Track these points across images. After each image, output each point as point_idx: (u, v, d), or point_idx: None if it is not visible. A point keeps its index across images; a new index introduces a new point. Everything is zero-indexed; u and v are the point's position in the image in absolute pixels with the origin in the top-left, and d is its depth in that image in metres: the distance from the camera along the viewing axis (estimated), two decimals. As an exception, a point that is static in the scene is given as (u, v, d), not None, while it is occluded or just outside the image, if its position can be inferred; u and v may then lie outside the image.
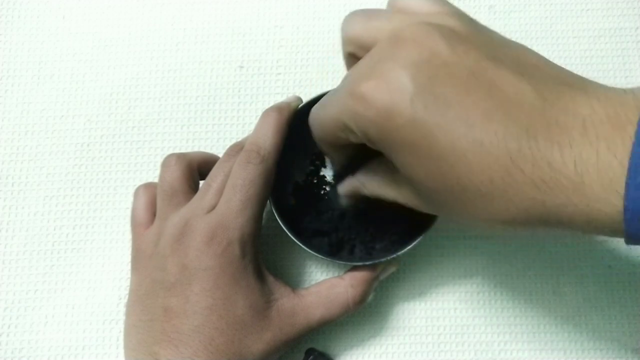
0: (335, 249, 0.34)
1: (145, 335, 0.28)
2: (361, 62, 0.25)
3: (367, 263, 0.32)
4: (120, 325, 0.36)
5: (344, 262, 0.34)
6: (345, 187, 0.32)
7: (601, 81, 0.40)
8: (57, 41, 0.41)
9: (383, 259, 0.32)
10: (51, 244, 0.37)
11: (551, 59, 0.42)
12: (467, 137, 0.22)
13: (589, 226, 0.21)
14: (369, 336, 0.36)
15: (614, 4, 0.41)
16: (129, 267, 0.33)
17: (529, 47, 0.25)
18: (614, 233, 0.20)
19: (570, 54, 0.40)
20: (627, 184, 0.19)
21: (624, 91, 0.21)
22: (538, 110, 0.21)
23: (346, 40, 0.27)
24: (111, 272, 0.37)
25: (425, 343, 0.36)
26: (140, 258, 0.31)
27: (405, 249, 0.31)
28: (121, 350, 0.35)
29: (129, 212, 0.34)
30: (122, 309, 0.36)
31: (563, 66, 0.23)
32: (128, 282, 0.35)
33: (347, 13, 0.41)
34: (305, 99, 0.34)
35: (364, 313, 0.36)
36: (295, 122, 0.32)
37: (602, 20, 0.41)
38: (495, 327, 0.36)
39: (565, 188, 0.20)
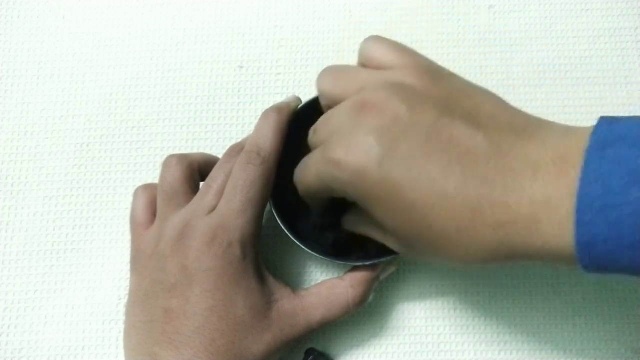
0: (335, 250, 0.34)
1: (145, 336, 0.28)
2: (336, 132, 0.27)
3: (367, 263, 0.32)
4: (120, 326, 0.36)
5: (344, 263, 0.34)
6: (345, 224, 0.33)
7: (601, 81, 0.41)
8: (57, 41, 0.41)
9: (383, 259, 0.32)
10: (51, 244, 0.37)
11: (551, 59, 0.42)
12: (432, 190, 0.24)
13: (549, 260, 0.23)
14: (369, 336, 0.36)
15: (614, 4, 0.41)
16: (128, 267, 0.33)
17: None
18: (571, 266, 0.22)
19: (570, 54, 0.40)
20: (576, 222, 0.21)
21: (569, 133, 0.24)
22: (493, 159, 0.23)
23: (321, 96, 0.30)
24: (111, 272, 0.37)
25: (425, 343, 0.36)
26: (140, 259, 0.31)
27: (396, 252, 0.31)
28: (121, 351, 0.35)
29: (128, 213, 0.34)
30: (122, 309, 0.36)
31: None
32: (128, 283, 0.35)
33: (347, 13, 0.42)
34: (305, 99, 0.34)
35: (364, 313, 0.36)
36: (295, 122, 0.32)
37: (602, 20, 0.41)
38: (495, 327, 0.36)
39: (522, 228, 0.22)
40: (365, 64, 0.29)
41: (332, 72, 0.30)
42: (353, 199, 0.27)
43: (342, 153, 0.25)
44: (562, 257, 0.22)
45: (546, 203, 0.22)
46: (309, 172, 0.29)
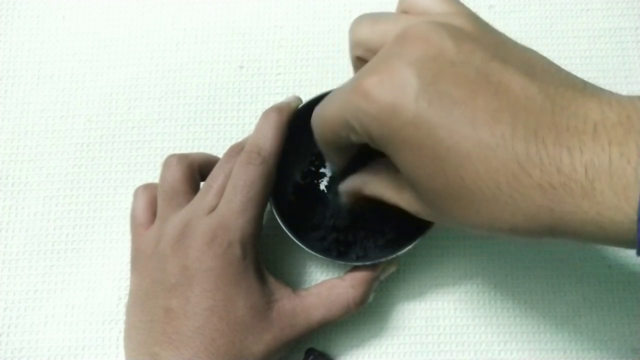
0: (336, 250, 0.34)
1: (145, 336, 0.28)
2: (369, 62, 0.24)
3: (367, 263, 0.32)
4: (120, 326, 0.36)
5: (344, 263, 0.34)
6: (347, 185, 0.31)
7: (601, 81, 0.41)
8: (57, 41, 0.41)
9: (383, 259, 0.32)
10: (51, 244, 0.37)
11: (551, 59, 0.42)
12: (473, 138, 0.21)
13: (599, 236, 0.20)
14: (369, 336, 0.36)
15: (614, 4, 0.41)
16: (128, 267, 0.33)
17: (530, 47, 0.25)
18: (625, 244, 0.20)
19: (570, 54, 0.40)
20: None
21: (637, 97, 0.20)
22: (547, 113, 0.21)
23: (354, 44, 0.27)
24: (111, 272, 0.37)
25: (425, 343, 0.36)
26: (140, 258, 0.31)
27: (405, 249, 0.31)
28: (121, 351, 0.35)
29: (128, 212, 0.34)
30: (122, 309, 0.36)
31: (563, 66, 0.23)
32: (128, 283, 0.35)
33: (347, 13, 0.41)
34: (305, 99, 0.34)
35: (364, 313, 0.36)
36: (295, 122, 0.32)
37: (602, 20, 0.41)
38: (495, 327, 0.36)
39: (575, 194, 0.20)
40: (407, 11, 0.26)
41: (369, 18, 0.26)
42: (376, 142, 0.24)
43: (374, 83, 0.22)
44: (616, 233, 0.19)
45: (607, 168, 0.19)
46: (332, 105, 0.25)
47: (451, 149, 0.21)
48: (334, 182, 0.36)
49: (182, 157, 0.33)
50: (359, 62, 0.27)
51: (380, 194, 0.28)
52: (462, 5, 0.25)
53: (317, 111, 0.27)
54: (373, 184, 0.29)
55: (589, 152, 0.19)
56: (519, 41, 0.40)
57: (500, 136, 0.21)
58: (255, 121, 0.33)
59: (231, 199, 0.30)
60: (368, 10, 0.41)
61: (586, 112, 0.20)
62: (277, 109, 0.32)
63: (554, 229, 0.21)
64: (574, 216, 0.20)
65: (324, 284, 0.32)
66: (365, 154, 0.28)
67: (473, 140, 0.21)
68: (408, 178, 0.24)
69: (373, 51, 0.25)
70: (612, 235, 0.20)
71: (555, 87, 0.21)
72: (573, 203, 0.20)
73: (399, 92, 0.22)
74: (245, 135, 0.36)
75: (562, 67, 0.24)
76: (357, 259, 0.34)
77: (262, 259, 0.32)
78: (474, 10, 0.25)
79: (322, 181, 0.36)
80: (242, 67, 0.40)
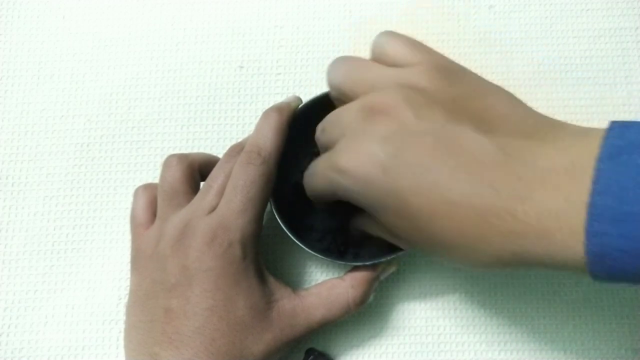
0: (336, 250, 0.34)
1: (145, 336, 0.28)
2: (343, 140, 0.27)
3: (367, 263, 0.32)
4: (120, 326, 0.36)
5: (344, 263, 0.34)
6: (354, 226, 0.33)
7: (601, 81, 0.41)
8: (57, 41, 0.41)
9: (383, 259, 0.32)
10: (51, 244, 0.37)
11: (551, 59, 0.42)
12: (437, 197, 0.24)
13: (559, 269, 0.22)
14: (369, 336, 0.36)
15: (614, 4, 0.41)
16: (128, 267, 0.33)
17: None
18: (581, 274, 0.22)
19: (570, 54, 0.40)
20: (586, 232, 0.20)
21: (582, 135, 0.23)
22: (501, 165, 0.23)
23: (331, 87, 0.30)
24: (111, 272, 0.37)
25: (425, 343, 0.36)
26: (140, 258, 0.31)
27: (405, 249, 0.31)
28: (121, 351, 0.35)
29: (128, 212, 0.34)
30: (122, 309, 0.36)
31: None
32: (128, 283, 0.35)
33: (347, 13, 0.42)
34: (305, 99, 0.34)
35: (364, 313, 0.36)
36: (295, 122, 0.32)
37: (602, 20, 0.41)
38: (495, 327, 0.36)
39: (531, 238, 0.22)
40: (377, 59, 0.29)
41: (344, 64, 0.30)
42: (360, 205, 0.27)
43: (348, 160, 0.26)
44: (573, 267, 0.21)
45: (556, 213, 0.21)
46: (317, 178, 0.29)
47: (420, 209, 0.24)
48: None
49: (182, 157, 0.33)
50: (336, 100, 0.30)
51: (379, 235, 0.30)
52: (427, 53, 0.28)
53: (307, 180, 0.31)
54: (371, 228, 0.31)
55: (539, 200, 0.22)
56: (518, 41, 0.40)
57: (459, 194, 0.23)
58: (255, 121, 0.33)
59: (231, 199, 0.30)
60: (368, 11, 0.41)
61: (535, 161, 0.23)
62: (277, 109, 0.32)
63: (520, 265, 0.23)
64: (534, 255, 0.22)
65: (324, 284, 0.32)
66: None
67: (437, 200, 0.24)
68: (391, 231, 0.27)
69: (347, 97, 0.28)
70: (570, 268, 0.22)
71: (507, 138, 0.24)
72: (531, 245, 0.22)
73: (368, 166, 0.25)
74: (245, 135, 0.36)
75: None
76: (357, 259, 0.34)
77: (262, 259, 0.32)
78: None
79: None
80: (242, 67, 0.40)
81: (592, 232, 0.20)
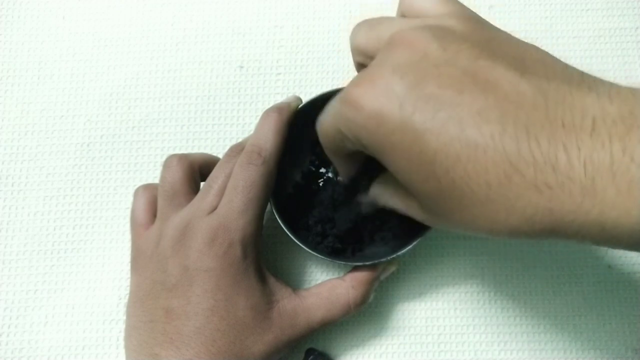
0: (336, 250, 0.34)
1: (146, 337, 0.28)
2: (358, 74, 0.24)
3: (368, 263, 0.32)
4: (120, 325, 0.36)
5: (344, 263, 0.34)
6: (366, 198, 0.31)
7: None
8: (57, 41, 0.41)
9: (383, 259, 0.32)
10: (51, 244, 0.37)
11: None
12: (460, 139, 0.20)
13: (602, 237, 0.19)
14: (369, 336, 0.36)
15: (614, 4, 0.41)
16: (129, 267, 0.33)
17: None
18: (630, 246, 0.19)
19: (570, 54, 0.40)
20: None
21: (637, 89, 0.20)
22: (540, 109, 0.20)
23: (354, 51, 0.27)
24: (111, 272, 0.37)
25: (425, 343, 0.36)
26: (140, 259, 0.31)
27: (405, 249, 0.31)
28: (121, 350, 0.35)
29: (128, 212, 0.34)
30: (122, 309, 0.36)
31: None
32: (128, 283, 0.35)
33: (347, 13, 0.42)
34: (305, 99, 0.34)
35: (364, 313, 0.36)
36: (295, 122, 0.32)
37: (602, 20, 0.41)
38: (495, 327, 0.36)
39: (574, 194, 0.19)
40: (405, 13, 0.26)
41: (366, 24, 0.26)
42: (368, 149, 0.24)
43: (360, 92, 0.22)
44: (620, 235, 0.18)
45: (609, 166, 0.18)
46: (327, 116, 0.26)
47: (439, 151, 0.21)
48: (333, 182, 0.36)
49: (182, 158, 0.33)
50: (360, 68, 0.27)
51: (390, 204, 0.28)
52: (458, 4, 0.25)
53: (319, 120, 0.27)
54: (383, 196, 0.28)
55: (587, 149, 0.18)
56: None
57: (489, 135, 0.20)
58: (255, 121, 0.33)
59: (232, 199, 0.30)
60: (368, 11, 0.41)
61: (583, 107, 0.19)
62: (277, 109, 0.32)
63: (554, 230, 0.20)
64: (575, 216, 0.19)
65: (325, 284, 0.32)
66: (372, 165, 0.28)
67: (461, 142, 0.20)
68: (404, 184, 0.23)
69: (371, 57, 0.25)
70: (616, 236, 0.19)
71: (548, 81, 0.21)
72: (573, 203, 0.19)
73: (383, 99, 0.22)
74: (245, 135, 0.36)
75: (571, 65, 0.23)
76: (357, 259, 0.34)
77: (263, 259, 0.32)
78: (474, 10, 0.25)
79: (322, 181, 0.36)
80: (242, 67, 0.40)
81: None
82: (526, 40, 0.24)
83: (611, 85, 0.20)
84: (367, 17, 0.40)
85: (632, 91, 0.19)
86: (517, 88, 0.20)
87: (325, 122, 0.26)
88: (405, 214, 0.27)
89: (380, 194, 0.29)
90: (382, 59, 0.23)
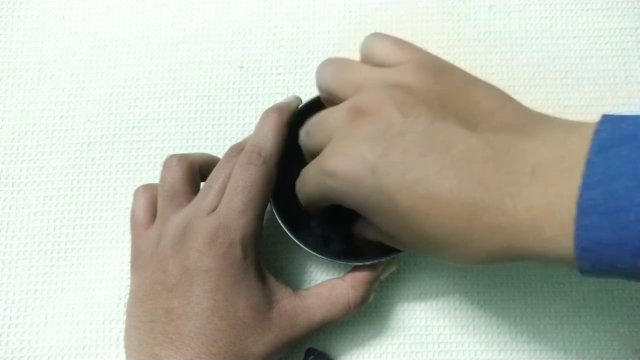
0: (336, 249, 0.34)
1: (146, 337, 0.28)
2: (330, 144, 0.27)
3: (368, 263, 0.32)
4: (121, 325, 0.36)
5: (344, 263, 0.34)
6: (355, 231, 0.33)
7: (601, 81, 0.41)
8: (57, 41, 0.41)
9: (383, 259, 0.32)
10: (51, 244, 0.37)
11: (551, 59, 0.42)
12: (427, 196, 0.23)
13: (549, 262, 0.22)
14: (369, 336, 0.36)
15: (614, 4, 0.41)
16: (129, 267, 0.33)
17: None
18: (571, 268, 0.22)
19: (570, 54, 0.40)
20: (576, 226, 0.20)
21: (573, 129, 0.23)
22: (489, 161, 0.23)
23: (320, 89, 0.30)
24: (111, 272, 0.37)
25: (425, 343, 0.36)
26: (140, 259, 0.31)
27: (403, 250, 0.31)
28: (121, 350, 0.35)
29: (128, 212, 0.34)
30: (122, 309, 0.36)
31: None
32: (128, 283, 0.35)
33: (347, 13, 0.42)
34: (305, 99, 0.34)
35: (364, 313, 0.36)
36: (295, 122, 0.32)
37: (602, 20, 0.41)
38: (495, 327, 0.36)
39: (522, 233, 0.22)
40: (366, 60, 0.29)
41: (332, 66, 0.30)
42: (352, 207, 0.27)
43: (337, 163, 0.26)
44: (562, 260, 0.22)
45: (546, 207, 0.21)
46: (308, 184, 0.29)
47: (411, 208, 0.24)
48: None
49: (182, 158, 0.33)
50: (325, 101, 0.30)
51: (376, 238, 0.31)
52: (414, 52, 0.28)
53: (299, 186, 0.31)
54: (368, 233, 0.31)
55: (528, 195, 0.22)
56: (518, 41, 0.40)
57: (449, 191, 0.23)
58: (255, 121, 0.33)
59: (232, 200, 0.30)
60: (368, 11, 0.41)
61: (524, 155, 0.23)
62: (277, 109, 0.32)
63: (512, 259, 0.23)
64: (525, 250, 0.22)
65: (325, 284, 0.32)
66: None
67: (427, 199, 0.23)
68: (384, 232, 0.27)
69: (336, 97, 0.28)
70: (559, 262, 0.22)
71: (495, 133, 0.24)
72: (522, 240, 0.22)
73: (357, 167, 0.25)
74: (245, 135, 0.36)
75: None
76: (357, 259, 0.34)
77: (263, 259, 0.32)
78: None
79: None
80: (242, 67, 0.40)
81: (581, 225, 0.20)
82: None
83: (550, 127, 0.24)
84: (365, 17, 0.40)
85: (566, 133, 0.23)
86: (469, 145, 0.24)
87: (307, 189, 0.29)
88: (391, 245, 0.30)
89: (365, 231, 0.32)
90: (350, 130, 0.26)
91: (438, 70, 0.27)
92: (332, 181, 0.26)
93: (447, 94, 0.26)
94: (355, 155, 0.25)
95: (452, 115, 0.25)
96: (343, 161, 0.25)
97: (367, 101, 0.26)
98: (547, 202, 0.21)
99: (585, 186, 0.20)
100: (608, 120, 0.22)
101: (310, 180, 0.28)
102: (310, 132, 0.29)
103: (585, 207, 0.20)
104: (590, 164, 0.21)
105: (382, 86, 0.26)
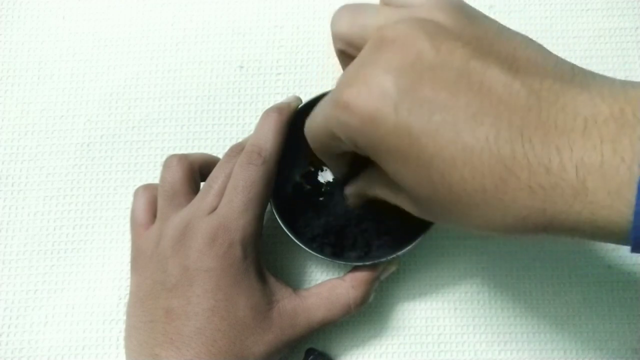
0: (336, 250, 0.34)
1: (146, 337, 0.28)
2: (347, 69, 0.24)
3: (368, 263, 0.32)
4: (121, 325, 0.36)
5: (344, 263, 0.34)
6: (351, 189, 0.32)
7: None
8: (57, 41, 0.41)
9: (383, 259, 0.32)
10: (51, 244, 0.37)
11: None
12: (456, 143, 0.20)
13: (594, 235, 0.19)
14: (369, 336, 0.36)
15: (614, 4, 0.41)
16: (129, 267, 0.33)
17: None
18: (621, 241, 0.19)
19: (570, 54, 0.40)
20: (639, 190, 0.18)
21: (631, 84, 0.20)
22: (534, 110, 0.20)
23: (335, 38, 0.27)
24: (111, 272, 0.37)
25: (425, 343, 0.36)
26: (140, 259, 0.31)
27: (405, 249, 0.31)
28: (121, 350, 0.35)
29: (128, 212, 0.34)
30: (122, 309, 0.36)
31: None
32: (128, 283, 0.35)
33: (347, 13, 0.41)
34: (305, 99, 0.34)
35: (364, 313, 0.36)
36: (295, 122, 0.32)
37: (602, 20, 0.41)
38: (495, 327, 0.36)
39: (566, 195, 0.19)
40: (388, 2, 0.26)
41: (350, 10, 0.26)
42: (363, 149, 0.24)
43: (353, 94, 0.22)
44: (611, 232, 0.19)
45: (599, 167, 0.18)
46: (318, 118, 0.25)
47: (435, 155, 0.21)
48: (334, 181, 0.36)
49: (182, 158, 0.33)
50: (342, 55, 0.27)
51: (381, 195, 0.28)
52: None
53: (307, 124, 0.27)
54: (373, 187, 0.29)
55: (579, 151, 0.19)
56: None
57: (484, 139, 0.20)
58: (255, 121, 0.33)
59: (232, 200, 0.30)
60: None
61: (575, 107, 0.20)
62: (277, 109, 0.32)
63: (547, 228, 0.20)
64: (567, 216, 0.19)
65: (325, 284, 0.32)
66: (362, 160, 0.28)
67: (456, 145, 0.20)
68: (399, 184, 0.23)
69: (354, 46, 0.25)
70: (607, 234, 0.19)
71: (541, 81, 0.21)
72: (565, 203, 0.19)
73: (378, 102, 0.21)
74: (245, 135, 0.36)
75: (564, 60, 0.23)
76: (358, 258, 0.34)
77: (263, 259, 0.32)
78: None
79: (322, 181, 0.36)
80: (242, 67, 0.40)
81: None
82: None
83: (603, 81, 0.20)
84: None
85: (623, 88, 0.20)
86: (510, 90, 0.20)
87: (316, 125, 0.26)
88: (395, 203, 0.27)
89: (369, 185, 0.29)
90: (373, 58, 0.22)
91: (472, 13, 0.24)
92: (346, 115, 0.22)
93: (485, 36, 0.22)
94: (376, 87, 0.21)
95: (493, 57, 0.21)
96: (361, 92, 0.22)
97: (395, 30, 0.22)
98: (602, 160, 0.18)
99: None
100: None
101: (320, 115, 0.25)
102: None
103: None
104: None
105: (410, 19, 0.23)
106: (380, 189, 0.28)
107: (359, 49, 0.24)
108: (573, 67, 0.22)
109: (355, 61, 0.24)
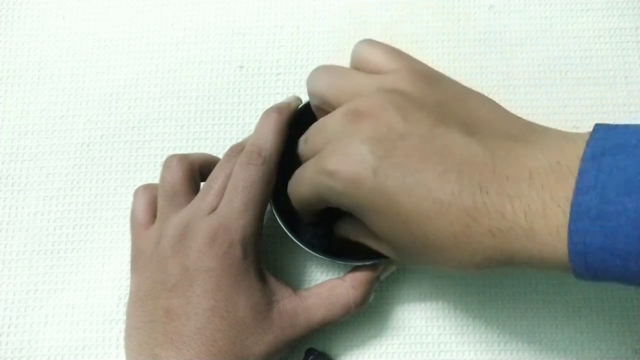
0: (336, 249, 0.34)
1: (146, 337, 0.28)
2: (329, 145, 0.27)
3: (368, 263, 0.32)
4: (121, 325, 0.36)
5: (344, 263, 0.34)
6: (339, 232, 0.33)
7: (601, 81, 0.40)
8: (57, 41, 0.41)
9: (383, 259, 0.32)
10: (51, 244, 0.37)
11: (551, 59, 0.42)
12: (428, 198, 0.24)
13: (543, 267, 0.23)
14: (369, 336, 0.36)
15: (614, 4, 0.41)
16: (129, 267, 0.33)
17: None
18: (565, 272, 0.22)
19: (570, 54, 0.40)
20: (570, 231, 0.21)
21: (567, 138, 0.23)
22: (489, 166, 0.24)
23: (312, 95, 0.30)
24: (111, 272, 0.37)
25: (425, 343, 0.36)
26: (140, 259, 0.31)
27: (389, 257, 0.31)
28: (121, 350, 0.35)
29: (129, 212, 0.34)
30: (122, 309, 0.36)
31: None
32: (128, 283, 0.35)
33: (347, 13, 0.42)
34: (305, 99, 0.34)
35: (364, 313, 0.36)
36: (295, 122, 0.32)
37: (602, 20, 0.41)
38: (495, 328, 0.36)
39: (520, 236, 0.22)
40: (358, 67, 0.30)
41: (325, 73, 0.30)
42: (348, 209, 0.27)
43: (337, 162, 0.26)
44: (556, 265, 0.22)
45: (542, 211, 0.22)
46: (303, 184, 0.29)
47: (411, 210, 0.24)
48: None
49: (182, 158, 0.33)
50: (318, 110, 0.30)
51: (364, 242, 0.30)
52: (407, 59, 0.29)
53: (292, 187, 0.30)
54: (356, 235, 0.31)
55: (526, 199, 0.22)
56: (518, 41, 0.40)
57: (450, 193, 0.23)
58: (255, 121, 0.33)
59: (232, 200, 0.30)
60: (368, 11, 0.41)
61: (523, 160, 0.23)
62: (277, 109, 0.32)
63: (509, 263, 0.23)
64: (522, 253, 0.23)
65: (325, 284, 0.32)
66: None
67: (428, 200, 0.24)
68: (379, 236, 0.27)
69: (329, 104, 0.29)
70: (553, 267, 0.22)
71: (494, 140, 0.25)
72: (519, 243, 0.22)
73: (358, 167, 0.25)
74: (245, 135, 0.36)
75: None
76: (358, 259, 0.34)
77: (263, 259, 0.32)
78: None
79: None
80: (242, 67, 0.40)
81: (574, 230, 0.21)
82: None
83: (545, 135, 0.25)
84: (365, 17, 0.40)
85: (561, 141, 0.23)
86: (469, 150, 0.24)
87: (303, 189, 0.29)
88: (378, 250, 0.30)
89: (349, 233, 0.32)
90: (350, 130, 0.26)
91: (432, 78, 0.28)
92: (331, 180, 0.26)
93: (445, 102, 0.27)
94: (355, 156, 0.25)
95: (453, 121, 0.25)
96: (343, 160, 0.25)
97: (367, 104, 0.26)
98: (543, 206, 0.22)
99: (578, 191, 0.21)
100: (601, 129, 0.22)
101: (306, 180, 0.28)
102: (309, 139, 0.29)
103: (578, 212, 0.21)
104: (583, 170, 0.21)
105: (379, 91, 0.27)
106: (363, 238, 0.30)
107: (333, 107, 0.28)
108: (522, 123, 0.26)
109: (334, 135, 0.27)
